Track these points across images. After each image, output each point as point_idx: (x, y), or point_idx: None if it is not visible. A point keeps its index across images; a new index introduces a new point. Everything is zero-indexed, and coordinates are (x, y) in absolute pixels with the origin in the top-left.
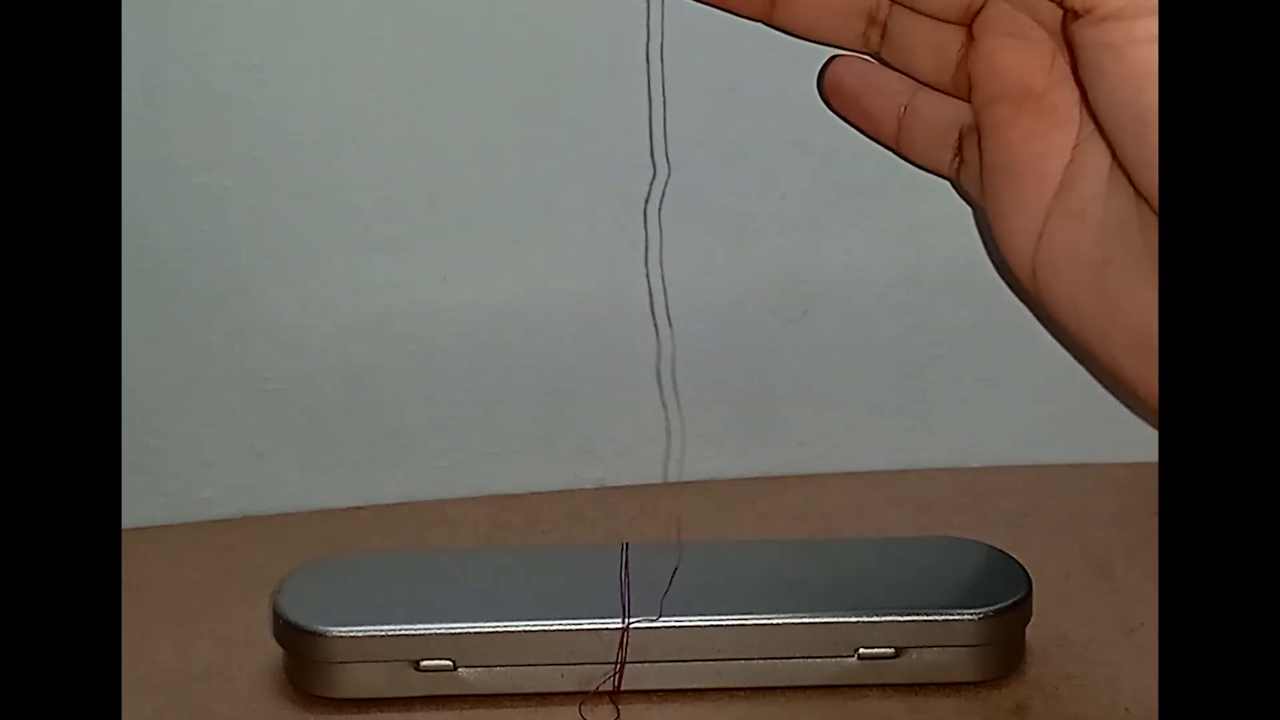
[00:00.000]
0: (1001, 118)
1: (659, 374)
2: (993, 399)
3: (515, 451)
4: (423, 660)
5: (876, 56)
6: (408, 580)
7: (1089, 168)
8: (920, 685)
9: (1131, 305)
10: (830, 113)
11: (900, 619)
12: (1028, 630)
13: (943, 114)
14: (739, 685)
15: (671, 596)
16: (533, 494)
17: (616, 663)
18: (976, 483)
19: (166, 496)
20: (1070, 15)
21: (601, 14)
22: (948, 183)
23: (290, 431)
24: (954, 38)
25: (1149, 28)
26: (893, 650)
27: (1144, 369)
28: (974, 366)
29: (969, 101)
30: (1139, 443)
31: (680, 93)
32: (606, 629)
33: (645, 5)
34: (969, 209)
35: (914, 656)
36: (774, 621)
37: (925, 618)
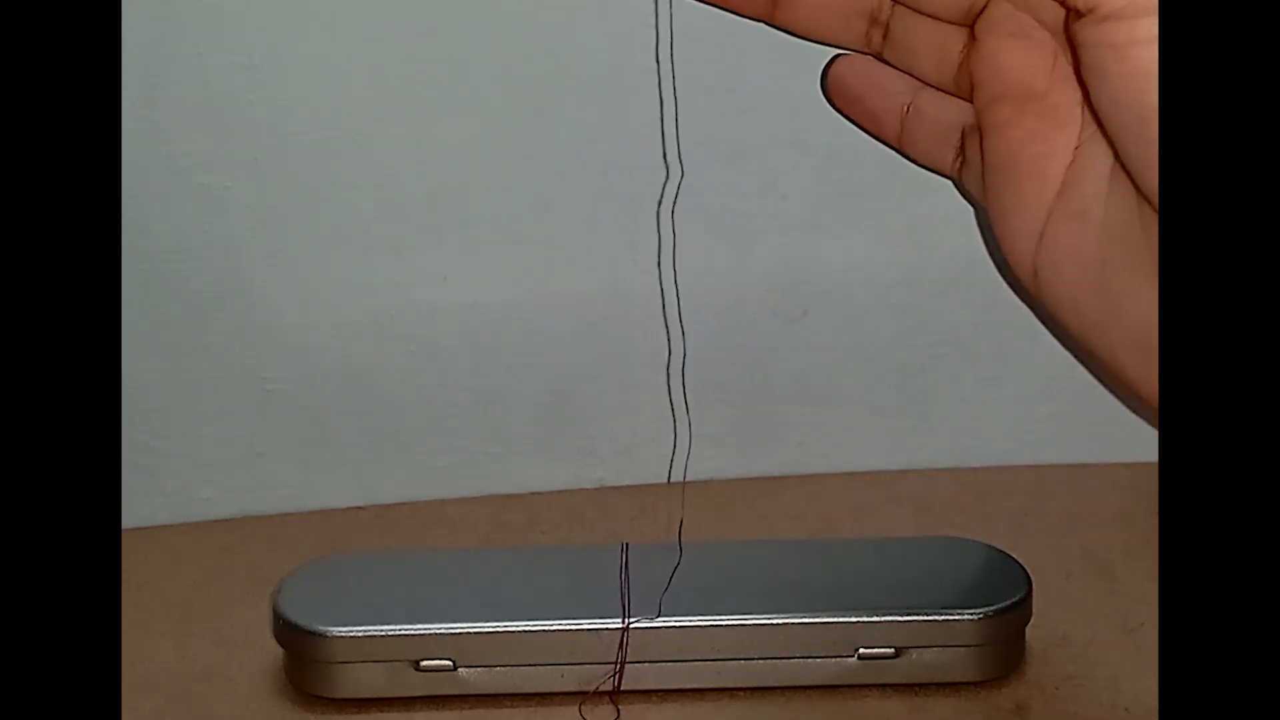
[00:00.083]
0: (1003, 118)
1: (669, 375)
2: (993, 399)
3: (515, 451)
4: (423, 660)
5: (878, 57)
6: (408, 580)
7: (1091, 168)
8: (920, 685)
9: (1133, 305)
10: (831, 113)
11: (900, 619)
12: (1028, 630)
13: (946, 114)
14: (739, 685)
15: (671, 596)
16: (533, 494)
17: (616, 663)
18: (977, 483)
19: (166, 496)
20: (1072, 15)
21: (601, 14)
22: (948, 182)
23: (290, 431)
24: (956, 38)
25: (1151, 27)
26: (893, 650)
27: (1145, 369)
28: (975, 366)
29: (971, 102)
30: (1139, 443)
31: (681, 93)
32: (606, 629)
33: (644, 5)
34: (970, 209)
35: (914, 656)
36: (774, 621)
37: (925, 618)
